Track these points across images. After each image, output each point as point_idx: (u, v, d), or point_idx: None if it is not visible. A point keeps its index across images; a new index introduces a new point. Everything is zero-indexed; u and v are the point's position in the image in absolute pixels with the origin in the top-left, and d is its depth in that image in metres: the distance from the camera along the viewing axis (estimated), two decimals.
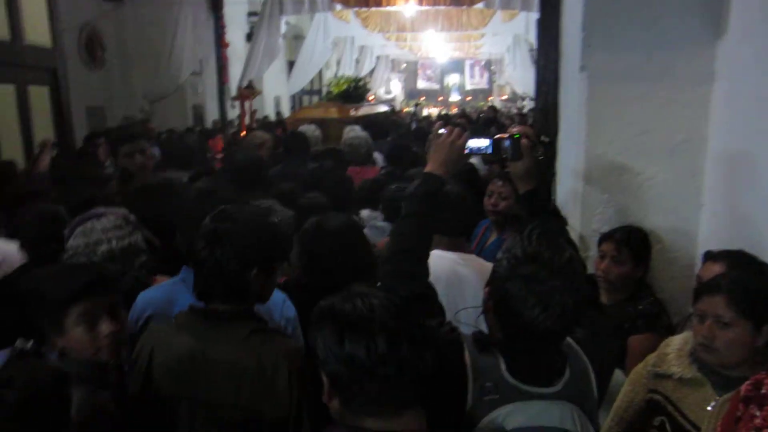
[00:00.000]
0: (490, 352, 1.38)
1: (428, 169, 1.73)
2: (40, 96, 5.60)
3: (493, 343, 1.40)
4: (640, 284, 2.44)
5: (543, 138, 2.00)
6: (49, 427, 1.01)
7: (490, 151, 1.77)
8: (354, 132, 5.10)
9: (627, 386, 2.05)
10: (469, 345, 1.40)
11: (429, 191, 1.68)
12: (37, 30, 5.45)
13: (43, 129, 5.63)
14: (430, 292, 1.59)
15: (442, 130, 1.76)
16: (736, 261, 1.97)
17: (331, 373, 1.15)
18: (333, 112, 8.48)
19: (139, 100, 7.97)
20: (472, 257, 2.25)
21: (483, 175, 3.90)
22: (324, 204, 2.96)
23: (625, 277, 2.38)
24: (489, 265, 1.59)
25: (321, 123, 6.42)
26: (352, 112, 8.64)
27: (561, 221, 1.87)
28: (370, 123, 6.54)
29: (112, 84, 7.87)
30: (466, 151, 1.75)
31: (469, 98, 22.84)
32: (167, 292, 1.95)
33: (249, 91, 9.21)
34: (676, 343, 1.98)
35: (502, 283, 1.32)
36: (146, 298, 1.95)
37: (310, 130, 5.42)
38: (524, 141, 1.76)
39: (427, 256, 1.66)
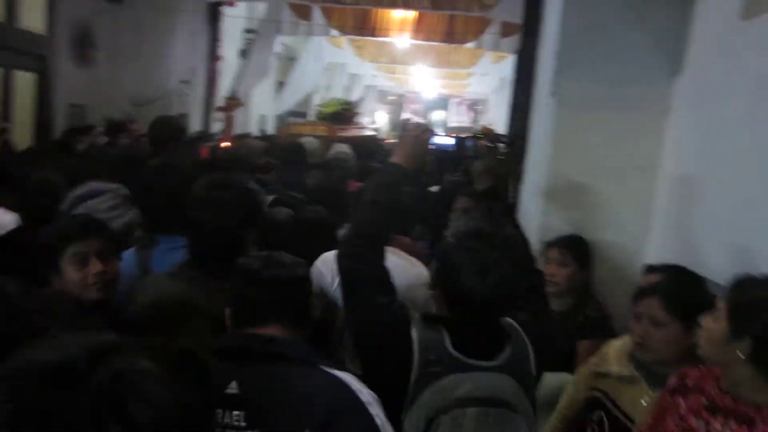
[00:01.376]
0: (436, 327, 1.50)
1: (393, 159, 1.80)
2: (25, 81, 5.64)
3: (438, 320, 1.51)
4: (587, 293, 2.59)
5: (503, 139, 2.16)
6: None
7: (454, 149, 1.91)
8: (341, 148, 5.30)
9: (571, 386, 2.19)
10: (417, 322, 1.51)
11: (392, 181, 1.76)
12: (32, 16, 5.52)
13: (23, 114, 5.65)
14: (383, 275, 1.64)
15: (409, 125, 1.87)
16: (672, 271, 2.13)
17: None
18: (322, 131, 8.68)
19: (124, 103, 8.02)
20: (399, 249, 2.29)
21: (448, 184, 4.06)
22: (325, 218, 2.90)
23: (569, 278, 2.53)
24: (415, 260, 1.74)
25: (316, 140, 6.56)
26: (340, 133, 8.84)
27: (514, 219, 2.01)
28: (357, 144, 6.69)
29: (99, 84, 7.90)
30: (431, 147, 1.86)
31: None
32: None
33: (233, 102, 9.37)
34: (616, 344, 2.12)
35: (447, 255, 1.45)
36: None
37: (309, 142, 5.55)
38: (484, 141, 1.91)
39: (384, 241, 1.72)
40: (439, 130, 23.70)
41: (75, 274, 1.65)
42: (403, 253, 2.28)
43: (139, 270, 2.00)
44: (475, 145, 1.96)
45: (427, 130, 1.85)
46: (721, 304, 1.52)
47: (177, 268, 1.81)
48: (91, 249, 1.68)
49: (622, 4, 2.60)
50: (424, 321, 1.51)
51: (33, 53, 5.70)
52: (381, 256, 1.68)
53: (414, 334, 1.48)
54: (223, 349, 1.30)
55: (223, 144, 7.56)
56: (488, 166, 1.97)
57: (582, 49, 2.67)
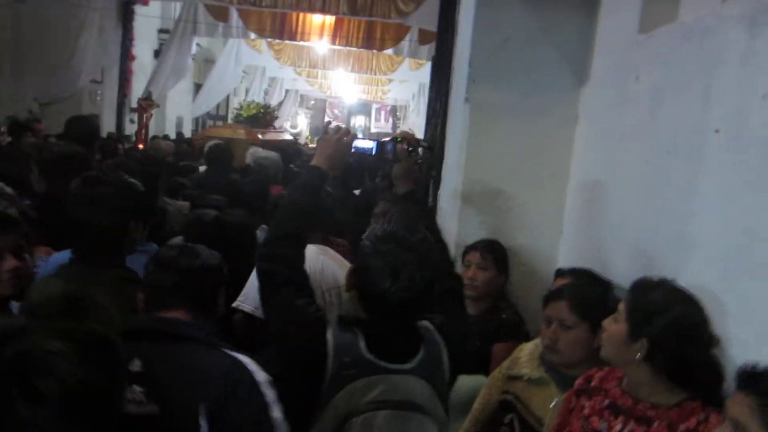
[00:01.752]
0: (352, 330, 1.51)
1: (314, 162, 1.80)
2: None
3: (354, 322, 1.52)
4: (503, 297, 2.67)
5: (422, 143, 2.20)
6: None
7: (374, 152, 1.94)
8: (263, 152, 5.21)
9: (484, 389, 2.24)
10: (333, 324, 1.52)
11: (312, 183, 1.75)
12: None
13: None
14: (301, 278, 1.64)
15: (332, 127, 1.87)
16: (580, 275, 2.24)
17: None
18: (241, 134, 8.66)
19: (28, 102, 7.59)
20: (330, 249, 2.34)
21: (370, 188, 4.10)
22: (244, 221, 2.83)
23: (489, 282, 2.59)
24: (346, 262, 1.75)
25: (227, 143, 6.46)
26: (259, 136, 8.79)
27: (432, 222, 2.05)
28: (276, 148, 6.63)
29: (1, 83, 7.47)
30: (352, 150, 1.88)
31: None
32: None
33: (147, 102, 9.11)
34: (527, 348, 2.19)
35: (362, 258, 1.47)
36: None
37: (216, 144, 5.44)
38: (403, 144, 1.94)
39: (303, 243, 1.71)
40: (360, 135, 23.92)
41: None
42: (335, 254, 2.30)
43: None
44: (395, 149, 2.00)
45: (348, 133, 1.85)
46: (621, 307, 1.60)
47: (60, 268, 1.90)
48: (5, 245, 1.67)
49: (531, 17, 2.71)
50: (340, 323, 1.52)
51: None
52: (300, 258, 1.67)
53: (329, 336, 1.48)
54: (130, 330, 1.31)
55: (140, 146, 7.30)
56: (407, 169, 2.00)
57: (493, 59, 2.76)
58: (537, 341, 2.14)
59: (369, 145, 1.93)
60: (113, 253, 1.94)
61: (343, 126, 1.94)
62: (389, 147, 1.94)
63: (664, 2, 2.26)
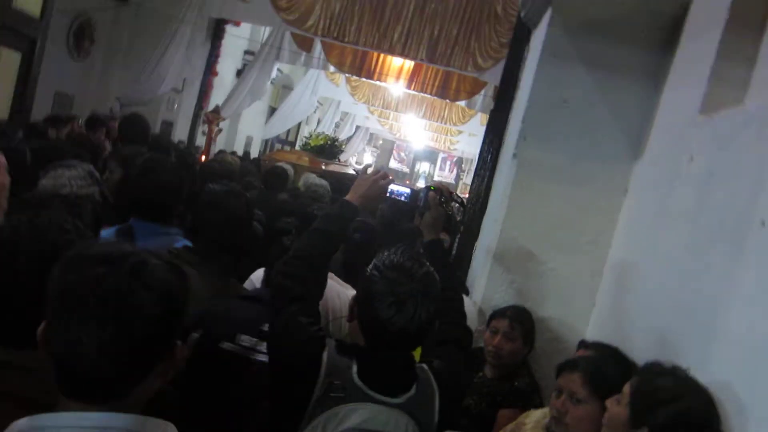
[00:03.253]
0: (348, 355, 1.49)
1: (348, 197, 1.88)
2: (10, 60, 5.61)
3: (351, 349, 1.51)
4: (522, 365, 2.56)
5: (456, 196, 2.20)
6: None
7: (407, 199, 1.95)
8: (315, 179, 5.37)
9: None
10: (331, 346, 1.51)
11: (342, 215, 1.83)
12: (30, 0, 5.53)
13: (2, 93, 5.61)
14: (311, 299, 1.67)
15: (370, 169, 1.94)
16: (602, 350, 2.12)
17: None
18: (305, 161, 9.00)
19: (112, 100, 8.00)
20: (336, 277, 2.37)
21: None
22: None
23: (515, 353, 2.50)
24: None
25: (291, 167, 6.72)
26: (323, 166, 9.05)
27: (450, 274, 2.01)
28: (337, 180, 6.78)
29: (90, 78, 7.91)
30: (387, 194, 1.92)
31: None
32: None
33: (214, 115, 9.47)
34: (535, 415, 2.09)
35: (367, 286, 1.45)
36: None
37: (286, 167, 5.71)
38: (433, 194, 1.94)
39: (322, 269, 1.76)
40: (422, 181, 24.12)
41: None
42: (339, 280, 2.31)
43: None
44: (427, 197, 1.99)
45: (385, 177, 1.92)
46: (626, 389, 1.51)
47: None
48: None
49: (592, 81, 2.67)
50: (337, 347, 1.51)
51: (23, 34, 5.69)
52: (314, 281, 1.71)
53: (325, 355, 1.48)
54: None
55: (201, 157, 7.57)
56: (436, 218, 2.00)
57: (547, 118, 2.72)
58: (546, 410, 2.05)
59: (405, 191, 1.96)
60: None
61: (382, 170, 1.97)
62: (422, 194, 1.95)
63: (731, 85, 2.17)
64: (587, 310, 2.71)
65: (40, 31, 5.83)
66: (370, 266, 1.49)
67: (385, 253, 1.49)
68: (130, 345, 0.94)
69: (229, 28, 9.82)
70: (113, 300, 0.94)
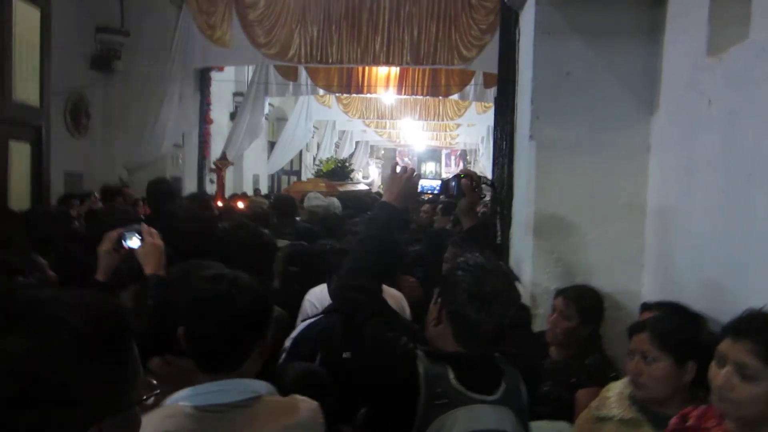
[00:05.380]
0: (440, 362, 1.53)
1: (385, 199, 1.92)
2: (21, 152, 5.73)
3: (441, 356, 1.55)
4: (589, 341, 2.54)
5: (485, 179, 2.23)
6: None
7: (438, 190, 1.98)
8: (314, 200, 5.51)
9: None
10: (422, 357, 1.54)
11: (383, 217, 1.87)
12: (27, 88, 5.65)
13: (21, 184, 5.73)
14: (386, 309, 1.72)
15: (398, 168, 1.97)
16: (665, 307, 2.13)
17: None
18: (322, 187, 9.65)
19: (118, 169, 8.12)
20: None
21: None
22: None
23: (569, 332, 2.48)
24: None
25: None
26: (339, 188, 9.82)
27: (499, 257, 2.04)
28: (355, 197, 6.92)
29: (93, 151, 8.03)
30: (419, 189, 1.96)
31: None
32: None
33: (222, 162, 9.67)
34: (616, 387, 2.09)
35: (454, 288, 1.52)
36: None
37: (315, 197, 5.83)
38: (465, 181, 1.96)
39: (380, 274, 1.80)
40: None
41: None
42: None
43: None
44: (459, 185, 2.03)
45: (414, 172, 1.95)
46: (754, 362, 1.40)
47: None
48: None
49: (590, 51, 2.69)
50: (428, 356, 1.55)
51: (27, 124, 5.81)
52: (378, 289, 1.76)
53: (420, 368, 1.51)
54: None
55: (219, 203, 7.66)
56: (471, 204, 2.03)
57: (556, 95, 2.74)
58: (626, 380, 2.05)
59: (435, 183, 2.00)
60: None
61: (410, 167, 2.00)
62: (453, 184, 1.99)
63: (732, 22, 2.19)
64: (637, 272, 2.71)
65: (42, 118, 5.95)
66: (452, 270, 1.54)
67: (463, 257, 1.54)
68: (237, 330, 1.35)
69: (215, 75, 9.95)
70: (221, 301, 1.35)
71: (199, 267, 1.58)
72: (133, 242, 1.93)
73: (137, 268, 1.90)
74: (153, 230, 1.95)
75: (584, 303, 2.53)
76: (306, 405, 1.41)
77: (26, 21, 5.61)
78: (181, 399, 1.31)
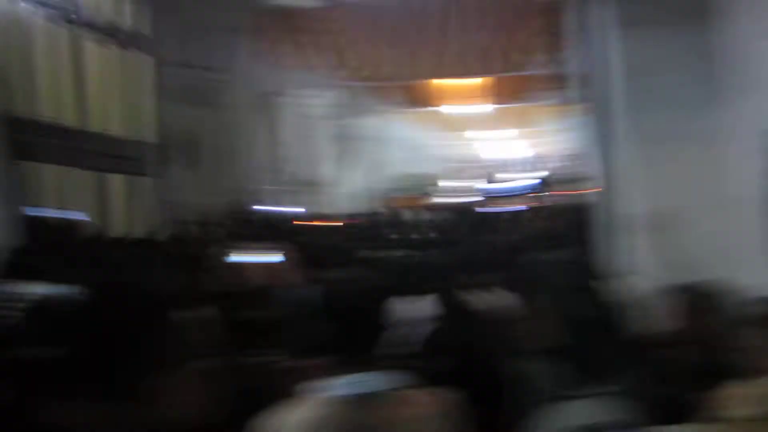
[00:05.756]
0: (552, 358, 1.61)
1: None
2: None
3: (552, 351, 1.62)
4: (708, 340, 2.50)
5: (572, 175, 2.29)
6: None
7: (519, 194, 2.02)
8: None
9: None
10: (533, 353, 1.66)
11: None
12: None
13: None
14: None
15: None
16: None
17: None
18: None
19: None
20: None
21: None
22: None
23: (679, 330, 2.46)
24: None
25: None
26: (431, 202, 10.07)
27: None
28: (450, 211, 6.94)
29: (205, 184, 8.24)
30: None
31: None
32: None
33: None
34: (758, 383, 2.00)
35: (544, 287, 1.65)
36: None
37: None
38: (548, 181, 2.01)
39: None
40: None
41: None
42: None
43: None
44: (543, 184, 2.13)
45: None
46: None
47: None
48: None
49: (673, 42, 2.71)
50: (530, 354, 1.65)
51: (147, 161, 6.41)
52: None
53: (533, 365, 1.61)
54: None
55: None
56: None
57: (641, 88, 2.77)
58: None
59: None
60: None
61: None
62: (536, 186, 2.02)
63: None
64: (754, 261, 2.60)
65: (160, 155, 6.59)
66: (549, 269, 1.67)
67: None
68: None
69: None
70: None
71: None
72: None
73: None
74: None
75: (692, 300, 2.49)
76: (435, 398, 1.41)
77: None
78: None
